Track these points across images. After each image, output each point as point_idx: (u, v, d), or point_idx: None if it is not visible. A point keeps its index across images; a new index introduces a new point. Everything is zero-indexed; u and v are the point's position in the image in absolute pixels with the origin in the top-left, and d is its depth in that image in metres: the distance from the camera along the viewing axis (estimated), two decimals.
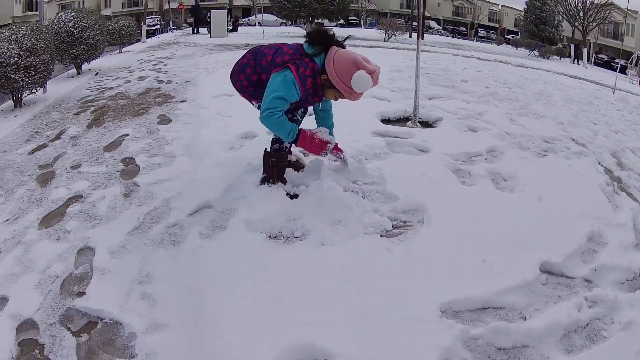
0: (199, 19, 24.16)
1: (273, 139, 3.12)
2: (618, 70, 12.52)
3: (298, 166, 3.33)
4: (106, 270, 2.46)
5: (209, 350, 1.93)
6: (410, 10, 36.25)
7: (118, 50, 14.76)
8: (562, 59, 27.30)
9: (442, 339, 1.96)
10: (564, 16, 32.16)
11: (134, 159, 3.99)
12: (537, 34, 33.50)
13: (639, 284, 2.56)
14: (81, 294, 2.31)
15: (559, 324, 2.11)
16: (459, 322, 2.08)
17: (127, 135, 4.69)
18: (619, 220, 3.17)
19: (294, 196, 2.99)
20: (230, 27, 23.38)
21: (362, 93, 2.90)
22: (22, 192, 3.51)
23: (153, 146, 4.28)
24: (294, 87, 2.76)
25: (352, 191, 3.14)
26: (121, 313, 2.17)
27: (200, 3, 27.27)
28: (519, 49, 29.78)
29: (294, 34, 19.64)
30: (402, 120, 5.18)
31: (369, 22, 42.13)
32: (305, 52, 2.90)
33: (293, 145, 3.08)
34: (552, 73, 14.07)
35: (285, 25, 30.17)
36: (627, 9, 28.58)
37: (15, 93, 6.70)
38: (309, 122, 3.41)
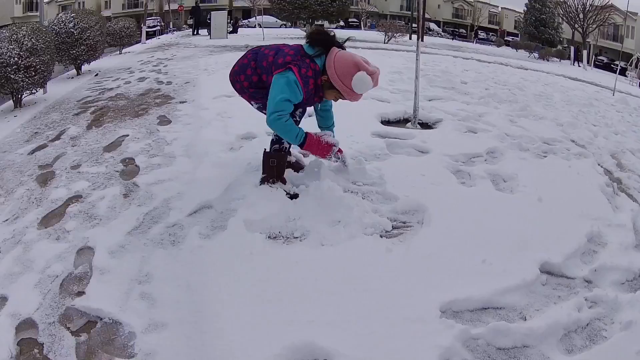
0: (199, 20, 24.18)
1: (272, 139, 3.12)
2: (618, 72, 12.54)
3: (298, 167, 3.33)
4: (106, 270, 2.46)
5: (208, 349, 1.92)
6: (410, 12, 36.35)
7: (118, 51, 14.78)
8: (562, 61, 27.35)
9: (442, 339, 1.95)
10: (564, 18, 32.20)
11: (133, 159, 3.99)
12: (537, 36, 33.59)
13: (639, 285, 2.56)
14: (80, 293, 2.31)
15: (559, 324, 2.10)
16: (459, 322, 2.08)
17: (127, 135, 4.69)
18: (618, 221, 3.17)
19: (293, 196, 2.98)
20: (231, 29, 23.41)
21: (361, 94, 2.93)
22: (21, 192, 3.51)
23: (153, 147, 4.28)
24: (297, 89, 2.78)
25: (351, 192, 3.14)
26: (120, 312, 2.16)
27: (200, 4, 27.29)
28: (519, 51, 29.86)
29: (294, 36, 19.65)
30: (401, 122, 5.19)
31: (368, 24, 42.16)
32: (306, 53, 2.91)
33: (294, 146, 3.08)
34: (552, 75, 14.09)
35: (285, 27, 30.21)
36: (626, 11, 28.62)
37: (15, 93, 6.71)
38: (309, 122, 3.42)
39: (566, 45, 32.73)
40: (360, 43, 16.82)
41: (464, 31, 47.55)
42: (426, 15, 38.12)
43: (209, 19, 20.85)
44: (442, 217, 2.89)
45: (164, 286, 2.32)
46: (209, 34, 20.36)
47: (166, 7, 34.49)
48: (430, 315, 2.09)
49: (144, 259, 2.54)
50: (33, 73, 6.68)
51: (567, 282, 2.48)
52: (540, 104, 7.43)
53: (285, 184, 3.08)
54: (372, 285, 2.27)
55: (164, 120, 5.21)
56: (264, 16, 28.96)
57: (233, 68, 3.14)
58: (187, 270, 2.41)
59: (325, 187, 2.89)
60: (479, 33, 44.50)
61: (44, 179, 3.74)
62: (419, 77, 5.11)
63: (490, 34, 45.63)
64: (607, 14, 30.37)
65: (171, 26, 30.73)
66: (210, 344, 1.94)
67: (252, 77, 3.02)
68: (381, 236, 2.69)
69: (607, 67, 28.52)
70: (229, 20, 23.47)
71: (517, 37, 39.28)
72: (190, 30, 25.67)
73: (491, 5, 50.47)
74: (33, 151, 4.48)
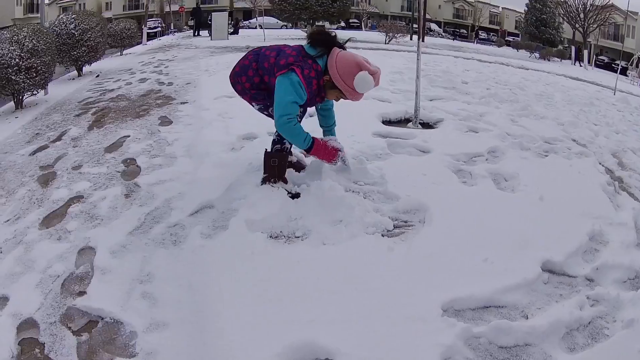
0: (200, 21, 24.22)
1: (274, 139, 3.12)
2: (619, 72, 12.52)
3: (299, 167, 3.33)
4: (107, 269, 2.46)
5: (209, 349, 1.92)
6: (410, 13, 36.36)
7: (119, 53, 14.79)
8: (562, 60, 27.31)
9: (443, 338, 1.94)
10: (565, 18, 32.20)
11: (135, 159, 3.99)
12: (538, 36, 33.58)
13: None
14: (82, 293, 2.31)
15: (561, 322, 2.09)
16: (461, 321, 2.07)
17: (128, 136, 4.69)
18: (620, 220, 3.16)
19: (295, 196, 2.98)
20: (231, 30, 23.43)
21: (363, 94, 2.95)
22: (23, 193, 3.51)
23: (154, 147, 4.28)
24: (301, 90, 2.79)
25: (353, 191, 3.14)
26: (122, 312, 2.16)
27: (201, 6, 27.33)
28: (520, 51, 29.82)
29: (294, 37, 19.66)
30: (403, 122, 5.19)
31: (369, 24, 42.18)
32: (307, 54, 2.92)
33: (294, 147, 3.08)
34: (552, 75, 14.08)
35: (286, 28, 30.22)
36: (627, 11, 28.62)
37: (16, 95, 6.72)
38: (310, 122, 3.42)
39: (567, 45, 32.69)
40: (361, 44, 16.83)
41: (465, 31, 47.55)
42: (427, 16, 38.16)
43: (210, 20, 20.86)
44: (444, 216, 2.88)
45: (165, 286, 2.32)
46: (210, 35, 20.37)
47: (167, 9, 34.50)
48: (431, 314, 2.09)
49: (145, 258, 2.54)
50: (34, 74, 6.69)
51: (568, 281, 2.48)
52: (541, 103, 7.42)
53: (286, 184, 3.08)
54: (374, 285, 2.27)
55: (165, 121, 5.22)
56: (265, 17, 29.06)
57: (234, 69, 3.14)
58: (189, 269, 2.41)
59: (327, 187, 2.89)
60: (480, 33, 44.50)
61: (45, 179, 3.75)
62: (420, 77, 5.11)
63: (491, 34, 45.65)
64: (608, 13, 30.36)
65: (172, 27, 30.78)
66: (211, 344, 1.94)
67: (253, 79, 3.02)
68: (383, 235, 2.69)
69: (608, 66, 28.46)
70: (229, 22, 23.49)
71: (518, 37, 39.29)
72: (191, 31, 25.70)
73: (492, 5, 50.45)
74: (34, 152, 4.49)
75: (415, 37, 19.98)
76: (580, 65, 26.27)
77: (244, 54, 3.24)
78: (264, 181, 3.08)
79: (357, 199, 2.99)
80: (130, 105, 6.24)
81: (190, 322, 2.07)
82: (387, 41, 21.05)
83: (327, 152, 3.04)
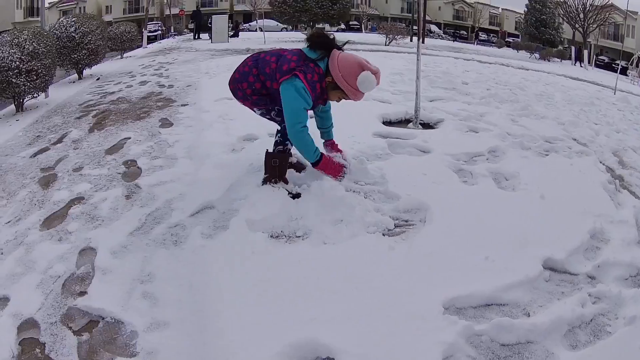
0: (200, 24, 24.27)
1: (276, 140, 3.14)
2: (619, 72, 12.51)
3: (299, 167, 3.33)
4: (108, 270, 2.46)
5: (210, 348, 1.92)
6: (410, 15, 36.38)
7: (119, 56, 14.82)
8: (562, 61, 27.30)
9: (445, 336, 1.94)
10: (564, 18, 32.18)
11: (135, 161, 4.00)
12: (538, 37, 33.56)
13: None
14: (82, 293, 2.31)
15: (563, 319, 2.09)
16: (462, 319, 2.07)
17: (129, 138, 4.70)
18: (621, 218, 3.15)
19: (295, 196, 2.99)
20: (232, 33, 23.47)
21: (364, 93, 2.97)
22: (24, 195, 3.51)
23: (155, 149, 4.29)
24: (307, 95, 2.83)
25: (353, 191, 3.13)
26: (122, 312, 2.16)
27: (201, 9, 27.39)
28: (520, 51, 29.80)
29: (295, 39, 19.69)
30: (403, 122, 5.19)
31: (369, 26, 42.24)
32: (308, 57, 2.93)
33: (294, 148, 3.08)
34: (552, 75, 14.08)
35: (286, 31, 30.28)
36: (627, 10, 28.63)
37: (17, 98, 6.72)
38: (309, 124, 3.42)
39: (567, 46, 32.69)
40: (362, 45, 16.87)
41: (465, 33, 47.56)
42: (427, 17, 38.19)
43: (210, 23, 20.91)
44: (444, 215, 2.88)
45: (166, 286, 2.32)
46: (210, 38, 20.41)
47: (167, 12, 34.59)
48: (433, 312, 2.08)
49: (146, 259, 2.54)
50: (34, 77, 6.69)
51: (570, 278, 2.47)
52: (542, 103, 7.42)
53: (287, 184, 3.09)
54: (375, 283, 2.26)
55: (165, 123, 5.22)
56: (265, 20, 29.07)
57: (233, 76, 3.14)
58: (189, 269, 2.41)
59: (327, 187, 2.89)
60: (480, 34, 44.46)
61: (46, 181, 3.75)
62: (420, 77, 5.11)
63: (491, 35, 45.60)
64: (608, 13, 30.36)
65: (172, 30, 30.83)
66: (212, 343, 1.94)
67: (254, 84, 3.03)
68: (383, 234, 2.69)
69: (608, 66, 28.46)
70: (229, 24, 23.53)
71: (518, 38, 39.28)
72: (192, 34, 25.74)
73: (492, 6, 50.44)
74: (35, 154, 4.50)
75: (415, 38, 20.00)
76: (581, 66, 26.26)
77: (244, 57, 3.25)
78: (264, 181, 3.09)
79: (358, 198, 2.99)
80: (130, 107, 6.24)
81: (191, 322, 2.07)
82: (387, 43, 21.08)
83: (333, 167, 3.08)
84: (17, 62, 6.42)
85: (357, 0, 45.14)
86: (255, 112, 3.20)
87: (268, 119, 3.18)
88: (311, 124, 3.35)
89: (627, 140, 5.64)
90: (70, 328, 2.11)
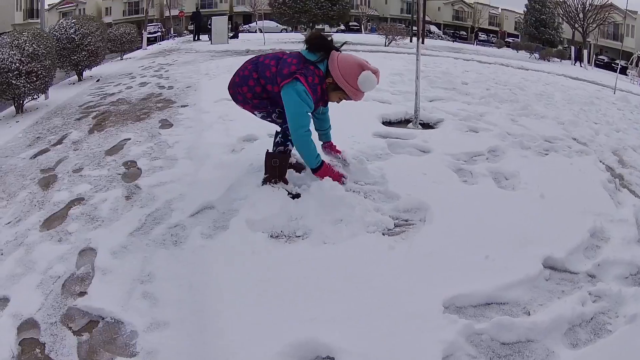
0: (200, 25, 24.28)
1: (277, 141, 3.14)
2: (618, 71, 12.51)
3: (299, 167, 3.33)
4: (108, 270, 2.46)
5: (210, 348, 1.91)
6: (410, 15, 36.36)
7: (119, 57, 14.82)
8: (562, 61, 27.30)
9: (445, 334, 1.94)
10: (564, 18, 32.19)
11: (135, 162, 4.00)
12: (538, 37, 33.54)
13: None
14: (82, 293, 2.31)
15: (564, 318, 2.09)
16: (463, 318, 2.06)
17: (129, 139, 4.70)
18: (621, 216, 3.15)
19: (295, 196, 2.99)
20: (231, 34, 23.48)
21: (364, 93, 2.99)
22: (24, 195, 3.51)
23: (155, 150, 4.29)
24: (308, 98, 2.84)
25: (353, 191, 3.13)
26: (122, 312, 2.16)
27: (200, 10, 27.40)
28: (520, 52, 29.80)
29: (294, 40, 19.70)
30: (403, 122, 5.19)
31: (369, 27, 42.26)
32: (308, 60, 2.94)
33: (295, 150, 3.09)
34: (552, 75, 14.08)
35: (286, 32, 30.29)
36: (626, 10, 28.63)
37: (16, 99, 6.72)
38: None
39: (566, 46, 32.69)
40: (361, 46, 16.88)
41: (465, 33, 47.61)
42: (426, 18, 38.21)
43: (210, 25, 20.93)
44: (444, 214, 2.88)
45: (166, 285, 2.31)
46: (210, 39, 20.42)
47: (167, 13, 34.64)
48: (433, 311, 2.08)
49: (146, 259, 2.54)
50: (34, 78, 6.69)
51: (570, 277, 2.47)
52: (541, 103, 7.43)
53: (287, 184, 3.09)
54: (375, 283, 2.26)
55: (165, 124, 5.23)
56: (265, 21, 29.11)
57: (233, 80, 3.15)
58: (189, 269, 2.41)
59: (327, 187, 2.89)
60: (480, 35, 44.50)
61: (46, 182, 3.75)
62: (420, 77, 5.11)
63: (491, 35, 45.66)
64: (607, 13, 30.37)
65: (172, 32, 30.86)
66: (212, 343, 1.94)
67: (255, 88, 3.03)
68: (383, 234, 2.68)
69: (608, 66, 28.46)
70: (229, 26, 23.54)
71: (518, 38, 39.27)
72: (191, 35, 25.75)
73: (491, 6, 50.47)
74: (35, 155, 4.50)
75: (414, 39, 20.01)
76: (581, 65, 26.26)
77: (243, 58, 3.26)
78: (264, 182, 3.09)
79: (358, 198, 2.99)
80: (130, 108, 6.25)
81: (191, 322, 2.07)
82: (386, 44, 21.08)
83: (332, 175, 3.07)
84: (17, 64, 6.43)
85: (356, 1, 45.18)
86: (256, 115, 3.20)
87: (269, 121, 3.18)
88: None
89: (626, 139, 5.64)
90: (70, 328, 2.11)
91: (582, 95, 9.62)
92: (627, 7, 23.21)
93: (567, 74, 15.33)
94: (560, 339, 2.02)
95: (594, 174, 3.93)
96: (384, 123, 4.97)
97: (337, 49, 3.04)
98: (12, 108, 6.91)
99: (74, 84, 9.59)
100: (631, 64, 21.64)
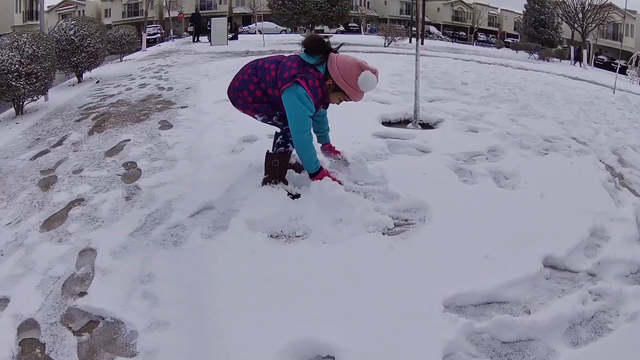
0: (200, 27, 24.29)
1: (278, 142, 3.14)
2: (618, 71, 12.51)
3: (299, 168, 3.33)
4: (108, 270, 2.46)
5: (210, 348, 1.91)
6: (409, 16, 36.37)
7: (119, 59, 14.83)
8: (562, 61, 27.32)
9: (446, 333, 1.94)
10: (563, 18, 32.21)
11: (135, 163, 4.00)
12: (537, 37, 33.52)
13: None
14: (82, 294, 2.31)
15: (564, 316, 2.09)
16: (463, 317, 2.06)
17: (129, 140, 4.70)
18: (621, 215, 3.15)
19: (295, 196, 2.99)
20: (231, 35, 23.48)
21: (364, 93, 3.00)
22: (24, 196, 3.52)
23: (154, 150, 4.29)
24: (309, 101, 2.85)
25: (353, 191, 3.14)
26: (122, 312, 2.16)
27: (200, 12, 27.41)
28: (519, 52, 29.81)
29: (294, 41, 19.69)
30: (402, 123, 5.19)
31: (368, 28, 42.28)
32: (307, 63, 2.95)
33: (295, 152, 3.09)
34: (552, 75, 14.08)
35: (286, 33, 30.30)
36: (625, 9, 28.62)
37: (16, 100, 6.73)
38: None
39: (566, 46, 32.69)
40: (361, 47, 16.88)
41: (464, 34, 47.62)
42: (426, 19, 38.23)
43: (209, 26, 20.93)
44: (444, 214, 2.88)
45: (166, 285, 2.32)
46: (210, 40, 20.43)
47: (166, 15, 34.65)
48: (433, 311, 2.08)
49: (146, 259, 2.54)
50: (34, 80, 6.70)
51: (570, 276, 2.47)
52: (541, 103, 7.42)
53: (287, 185, 3.09)
54: (375, 282, 2.26)
55: (165, 125, 5.23)
56: (264, 22, 29.10)
57: (232, 84, 3.15)
58: (189, 269, 2.41)
59: (327, 187, 2.89)
60: (479, 35, 44.48)
61: (46, 183, 3.75)
62: (419, 78, 5.12)
63: (490, 35, 45.66)
64: (606, 12, 30.39)
65: (171, 33, 30.83)
66: (212, 343, 1.94)
67: (255, 92, 3.04)
68: (383, 234, 2.68)
69: (608, 66, 28.46)
70: (229, 27, 23.55)
71: (517, 38, 39.30)
72: (191, 37, 25.77)
73: (490, 7, 50.49)
74: (35, 157, 4.50)
75: (414, 39, 20.04)
76: (580, 65, 26.26)
77: (243, 59, 3.27)
78: (264, 182, 3.09)
79: (358, 198, 2.99)
80: (130, 110, 6.25)
81: (191, 321, 2.07)
82: (386, 44, 21.08)
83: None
84: (17, 65, 6.43)
85: (356, 2, 45.24)
86: (256, 119, 3.20)
87: (270, 124, 3.19)
88: None
89: (626, 138, 5.64)
90: (70, 328, 2.11)
91: (582, 94, 9.62)
92: (626, 6, 23.18)
93: (566, 74, 15.33)
94: (560, 337, 2.02)
95: (593, 173, 3.93)
96: (383, 123, 4.97)
97: (335, 51, 3.04)
98: (12, 109, 6.91)
99: (73, 85, 9.60)
100: (631, 63, 21.63)
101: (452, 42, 38.10)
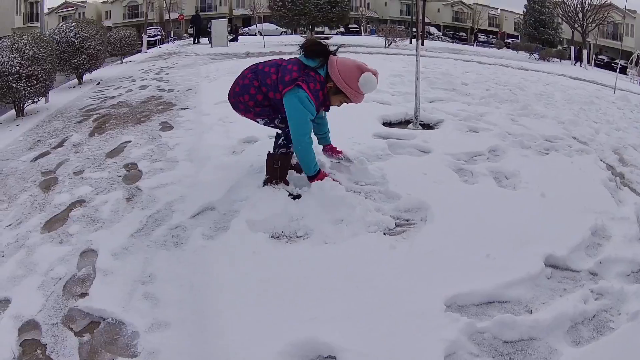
0: (200, 29, 24.28)
1: (280, 143, 3.14)
2: (618, 71, 12.50)
3: (299, 168, 3.33)
4: (109, 271, 2.46)
5: (211, 348, 1.91)
6: (410, 17, 36.41)
7: (119, 61, 14.85)
8: (562, 61, 27.29)
9: (447, 333, 1.94)
10: (563, 18, 32.19)
11: (136, 164, 4.01)
12: (537, 37, 33.48)
13: None
14: (84, 294, 2.31)
15: (566, 316, 2.08)
16: (464, 316, 2.06)
17: (130, 142, 4.71)
18: (622, 214, 3.15)
19: (296, 197, 2.99)
20: (231, 37, 23.49)
21: (365, 95, 3.01)
22: (25, 198, 3.52)
23: (155, 152, 4.29)
24: (311, 104, 2.85)
25: (354, 191, 3.14)
26: (124, 313, 2.16)
27: (200, 13, 27.42)
28: (519, 52, 29.79)
29: (294, 42, 19.69)
30: (403, 123, 5.19)
31: (369, 29, 42.31)
32: (308, 66, 2.96)
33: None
34: (552, 75, 14.07)
35: (286, 34, 30.31)
36: (625, 9, 28.63)
37: (17, 102, 6.74)
38: None
39: (566, 46, 32.67)
40: (361, 48, 16.88)
41: (464, 34, 47.63)
42: (426, 19, 38.25)
43: (210, 28, 20.93)
44: (445, 214, 2.88)
45: (167, 286, 2.32)
46: (210, 42, 20.44)
47: (166, 17, 34.68)
48: (434, 310, 2.08)
49: (147, 260, 2.54)
50: (35, 82, 6.71)
51: (572, 275, 2.47)
52: (541, 103, 7.42)
53: (287, 185, 3.09)
54: (376, 282, 2.26)
55: (166, 126, 5.23)
56: (264, 24, 29.10)
57: (233, 89, 3.15)
58: (190, 270, 2.41)
59: (328, 187, 2.89)
60: (479, 36, 44.47)
61: (47, 184, 3.76)
62: (420, 78, 5.12)
63: (490, 36, 45.64)
64: (606, 12, 30.37)
65: (172, 35, 30.90)
66: (213, 343, 1.94)
67: (256, 96, 3.04)
68: (384, 234, 2.68)
69: (608, 66, 28.44)
70: (229, 29, 23.55)
71: (517, 38, 39.26)
72: (191, 39, 25.78)
73: (490, 7, 50.48)
74: (36, 158, 4.50)
75: (414, 40, 20.04)
76: (580, 65, 26.24)
77: (243, 60, 3.27)
78: (265, 182, 3.09)
79: (359, 198, 3.00)
80: (131, 111, 6.26)
81: (192, 322, 2.07)
82: (386, 45, 21.07)
83: None
84: (17, 67, 6.44)
85: (356, 3, 45.29)
86: (258, 122, 3.21)
87: (272, 127, 3.19)
88: None
89: (627, 138, 5.64)
90: (71, 329, 2.11)
91: (582, 94, 9.62)
92: (626, 6, 23.19)
93: (566, 74, 15.33)
94: (562, 336, 2.02)
95: (594, 173, 3.93)
96: (384, 124, 4.97)
97: (334, 53, 3.05)
98: (13, 111, 6.93)
99: (74, 87, 9.61)
100: (631, 63, 21.63)
101: (453, 42, 38.08)
